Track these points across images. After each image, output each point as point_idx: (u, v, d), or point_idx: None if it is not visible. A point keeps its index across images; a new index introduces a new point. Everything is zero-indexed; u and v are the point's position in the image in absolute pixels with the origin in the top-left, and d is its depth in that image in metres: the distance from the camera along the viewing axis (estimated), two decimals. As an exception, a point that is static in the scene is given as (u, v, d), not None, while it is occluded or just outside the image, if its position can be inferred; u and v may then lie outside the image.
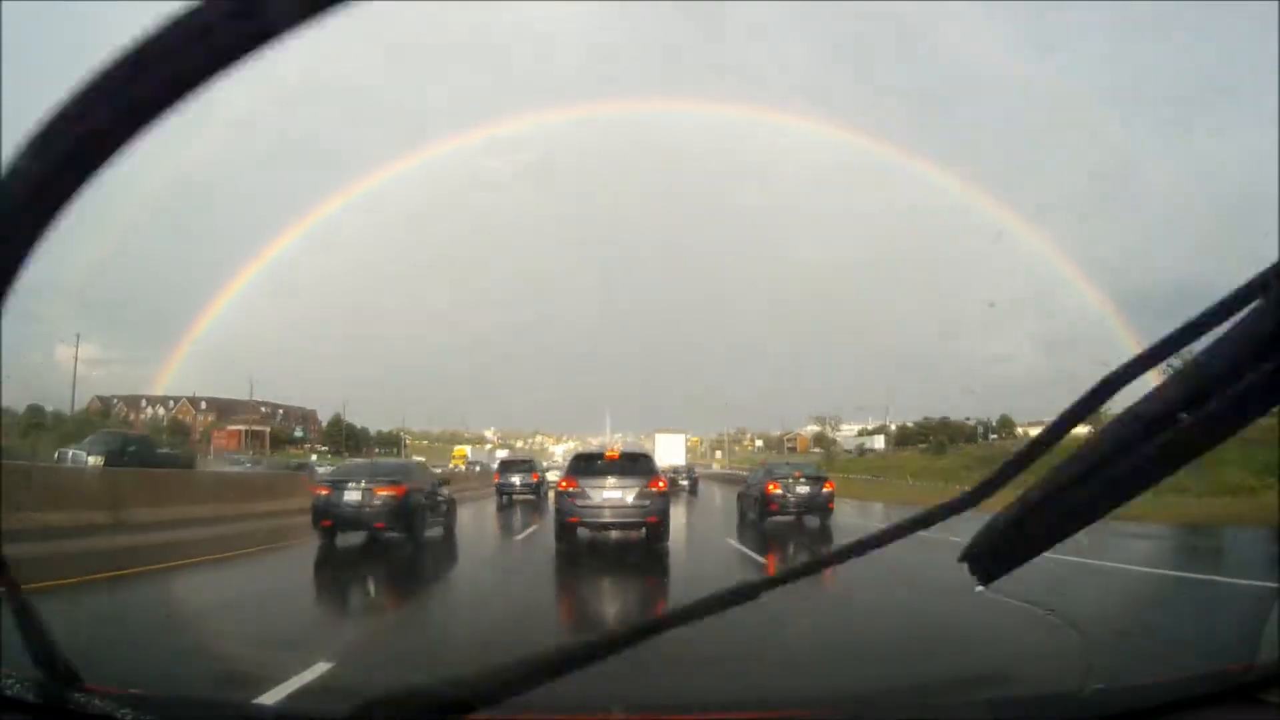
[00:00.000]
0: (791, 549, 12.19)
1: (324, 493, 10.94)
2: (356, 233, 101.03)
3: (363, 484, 10.78)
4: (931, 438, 63.43)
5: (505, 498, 23.29)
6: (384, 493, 10.72)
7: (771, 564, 10.84)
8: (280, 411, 61.56)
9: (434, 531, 12.12)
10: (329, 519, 10.80)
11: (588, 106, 77.94)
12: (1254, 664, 2.34)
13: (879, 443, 71.94)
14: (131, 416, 57.10)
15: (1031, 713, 2.71)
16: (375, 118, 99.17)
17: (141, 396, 59.81)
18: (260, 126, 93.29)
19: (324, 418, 66.72)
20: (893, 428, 69.01)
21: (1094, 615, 5.63)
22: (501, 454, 62.64)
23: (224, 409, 58.52)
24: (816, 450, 74.47)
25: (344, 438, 62.48)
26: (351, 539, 11.32)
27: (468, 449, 70.24)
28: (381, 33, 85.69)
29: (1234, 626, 5.11)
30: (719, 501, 25.37)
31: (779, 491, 15.19)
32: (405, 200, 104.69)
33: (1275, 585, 5.74)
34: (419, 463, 16.40)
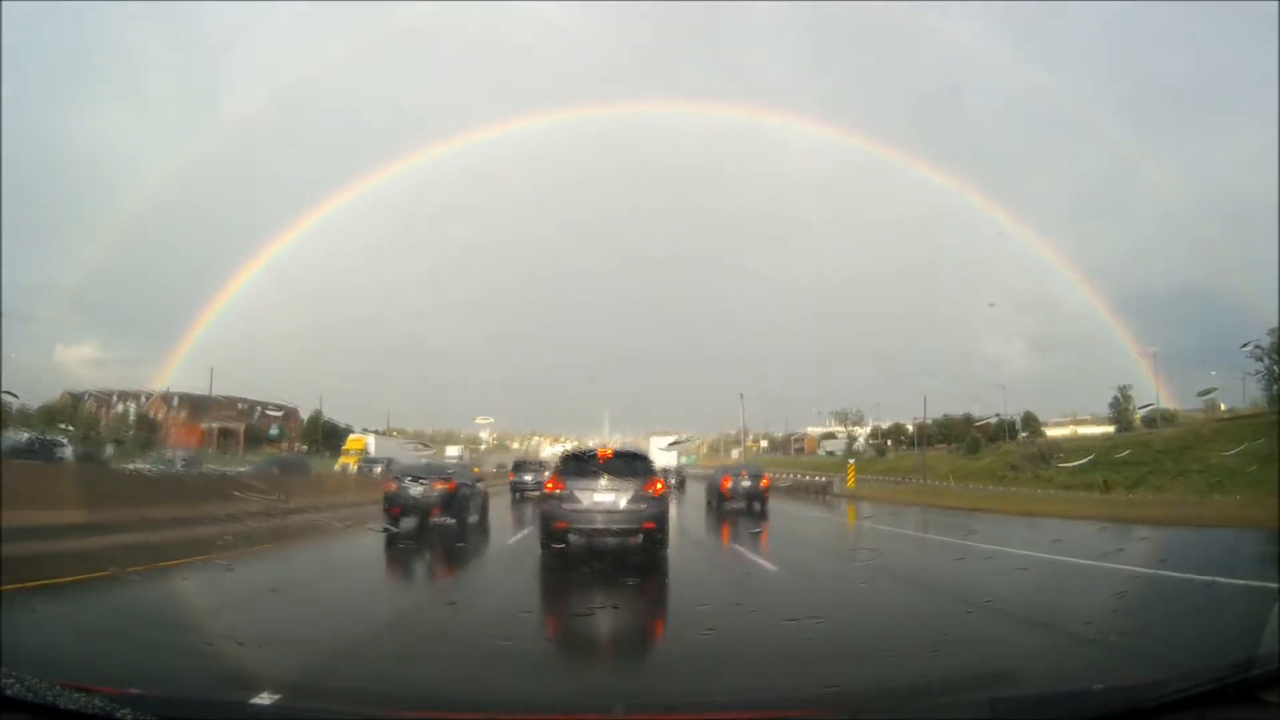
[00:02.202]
0: (735, 522, 16.71)
1: (393, 487, 13.72)
2: (355, 233, 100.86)
3: (423, 480, 13.62)
4: (966, 436, 59.31)
5: (518, 494, 25.23)
6: (440, 487, 13.46)
7: (725, 532, 14.91)
8: (259, 409, 60.46)
9: (473, 518, 14.53)
10: (397, 507, 13.43)
11: (586, 107, 77.79)
12: (1254, 664, 2.34)
13: (858, 444, 69.33)
14: (102, 412, 56.42)
15: (1031, 713, 2.72)
16: (377, 117, 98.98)
17: (114, 392, 59.13)
18: (261, 126, 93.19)
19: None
20: (910, 427, 66.53)
21: (1094, 616, 5.62)
22: (453, 452, 53.82)
23: (198, 405, 57.49)
24: (825, 451, 73.42)
25: (321, 436, 61.27)
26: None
27: (370, 440, 48.09)
28: (380, 28, 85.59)
29: (1234, 627, 5.11)
30: (697, 496, 26.53)
31: (730, 485, 20.64)
32: (403, 200, 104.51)
33: (1275, 586, 5.74)
34: (462, 463, 20.32)
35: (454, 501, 13.53)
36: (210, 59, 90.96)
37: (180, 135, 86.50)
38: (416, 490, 13.44)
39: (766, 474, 22.39)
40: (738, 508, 19.76)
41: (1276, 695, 2.13)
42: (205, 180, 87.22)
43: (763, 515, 18.54)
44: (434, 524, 13.25)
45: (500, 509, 19.10)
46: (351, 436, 51.29)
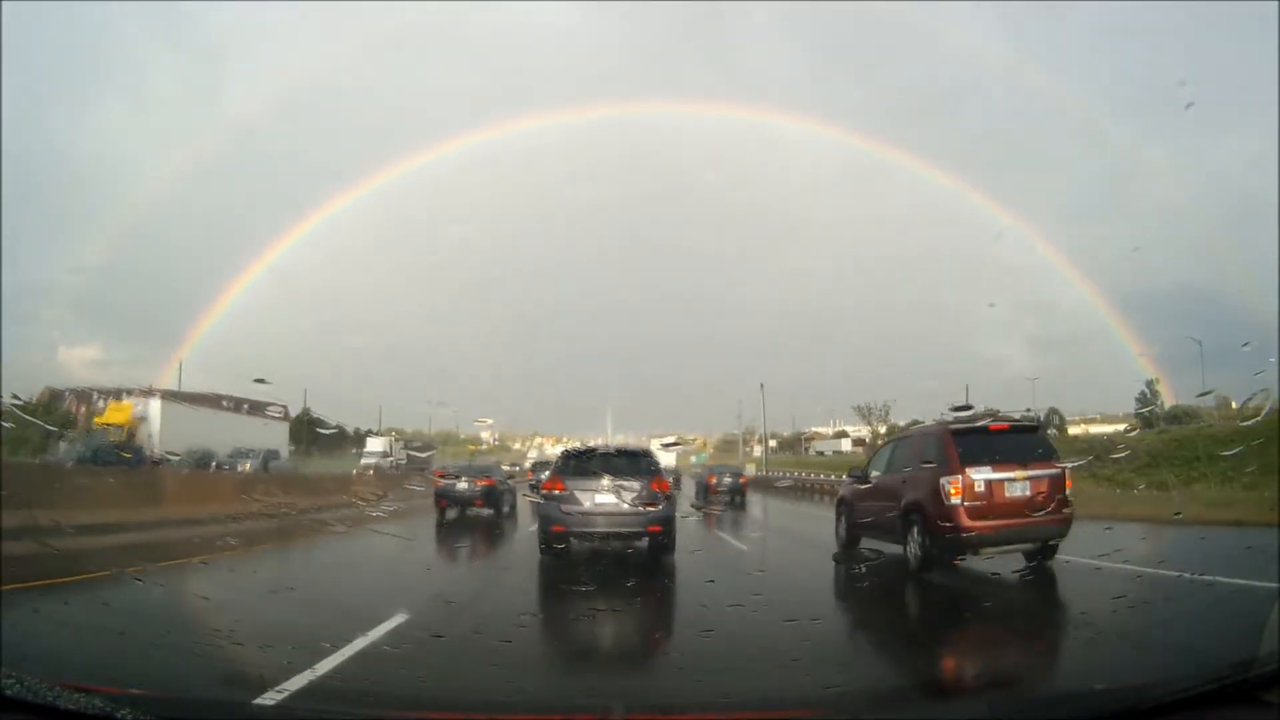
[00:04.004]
0: (719, 512, 19.65)
1: (443, 483, 16.53)
2: (357, 233, 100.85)
3: (468, 478, 16.55)
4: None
5: (535, 491, 27.05)
6: (481, 483, 16.42)
7: (711, 521, 17.27)
8: (245, 406, 59.17)
9: (505, 509, 17.35)
10: (445, 500, 16.17)
11: (585, 108, 77.78)
12: (1254, 664, 2.34)
13: (845, 445, 68.34)
14: (82, 409, 55.99)
15: (1031, 713, 2.73)
16: (375, 121, 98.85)
17: (94, 389, 58.75)
18: (263, 127, 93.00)
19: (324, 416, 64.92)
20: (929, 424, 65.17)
21: (1094, 616, 5.62)
22: (376, 446, 43.13)
23: (179, 402, 57.30)
24: (815, 451, 72.80)
25: (305, 434, 60.02)
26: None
27: (152, 407, 30.88)
28: (383, 35, 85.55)
29: (1234, 627, 5.11)
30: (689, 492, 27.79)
31: (714, 481, 24.59)
32: (406, 200, 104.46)
33: (1275, 586, 5.74)
34: (497, 463, 23.23)
35: (492, 495, 16.45)
36: (213, 60, 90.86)
37: (183, 136, 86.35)
38: (462, 486, 16.29)
39: (745, 474, 27.74)
40: (721, 500, 23.78)
41: (1276, 695, 2.13)
42: (208, 181, 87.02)
43: (742, 506, 22.63)
44: (474, 513, 16.42)
45: (520, 505, 19.68)
46: (115, 403, 31.43)
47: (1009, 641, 5.28)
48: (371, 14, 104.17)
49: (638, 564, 9.33)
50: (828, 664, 4.60)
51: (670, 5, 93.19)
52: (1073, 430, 57.22)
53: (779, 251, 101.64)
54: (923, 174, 66.11)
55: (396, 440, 47.46)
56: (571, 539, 9.18)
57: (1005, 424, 8.86)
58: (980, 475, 7.86)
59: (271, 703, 3.26)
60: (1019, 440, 8.56)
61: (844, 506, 10.85)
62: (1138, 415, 51.70)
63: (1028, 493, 7.87)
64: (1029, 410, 57.48)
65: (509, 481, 18.52)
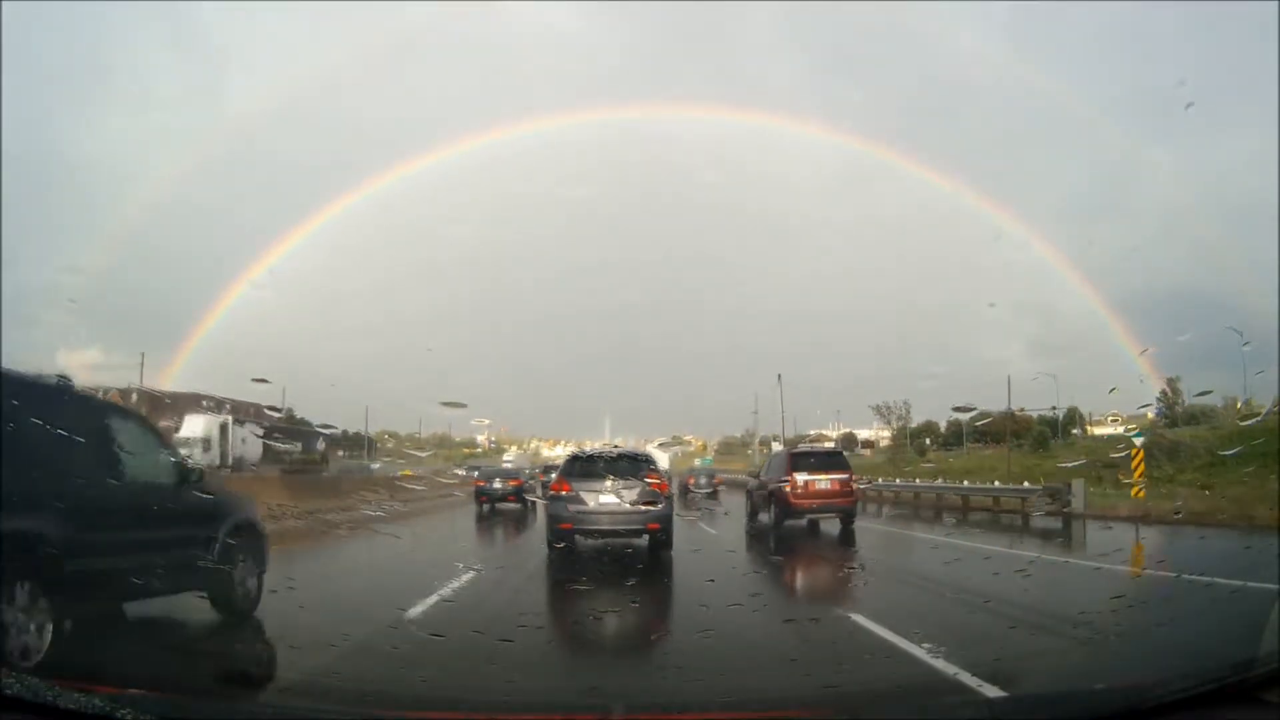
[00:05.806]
0: (699, 507, 22.69)
1: (481, 483, 20.89)
2: (355, 236, 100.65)
3: (500, 478, 21.21)
4: (1028, 432, 51.41)
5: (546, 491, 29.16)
6: (512, 483, 20.94)
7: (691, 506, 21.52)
8: (226, 406, 57.45)
9: (530, 504, 20.37)
10: (484, 496, 20.44)
11: (587, 110, 77.73)
12: (1254, 664, 2.34)
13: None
14: None
15: (1031, 713, 2.73)
16: (376, 123, 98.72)
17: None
18: (265, 130, 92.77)
19: (321, 418, 64.39)
20: (942, 425, 63.44)
21: (1093, 616, 5.62)
22: (191, 428, 30.01)
23: (159, 403, 55.89)
24: (857, 450, 70.94)
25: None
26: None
27: None
28: (382, 37, 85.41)
29: (1234, 627, 5.11)
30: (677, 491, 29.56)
31: (693, 481, 29.67)
32: (403, 203, 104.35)
33: (1275, 586, 5.74)
34: (522, 468, 28.42)
35: (521, 492, 20.55)
36: (213, 61, 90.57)
37: (185, 139, 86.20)
38: (497, 484, 20.69)
39: (719, 476, 33.30)
40: (698, 497, 27.56)
41: (1276, 695, 2.13)
42: (210, 183, 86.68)
43: (716, 500, 26.76)
44: (505, 507, 20.02)
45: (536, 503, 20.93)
46: None
47: (1008, 641, 5.28)
48: (370, 16, 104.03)
49: (638, 563, 9.53)
50: (828, 664, 4.60)
51: (670, 7, 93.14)
52: (1075, 430, 55.80)
53: (780, 253, 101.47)
54: (923, 175, 65.88)
55: (239, 421, 31.53)
56: (578, 535, 9.91)
57: (823, 450, 18.76)
58: (802, 477, 14.23)
59: (271, 702, 3.26)
60: (828, 459, 15.41)
61: (749, 494, 17.90)
62: (1160, 414, 50.24)
63: (829, 486, 14.25)
64: (1053, 408, 55.91)
65: (531, 482, 22.76)
